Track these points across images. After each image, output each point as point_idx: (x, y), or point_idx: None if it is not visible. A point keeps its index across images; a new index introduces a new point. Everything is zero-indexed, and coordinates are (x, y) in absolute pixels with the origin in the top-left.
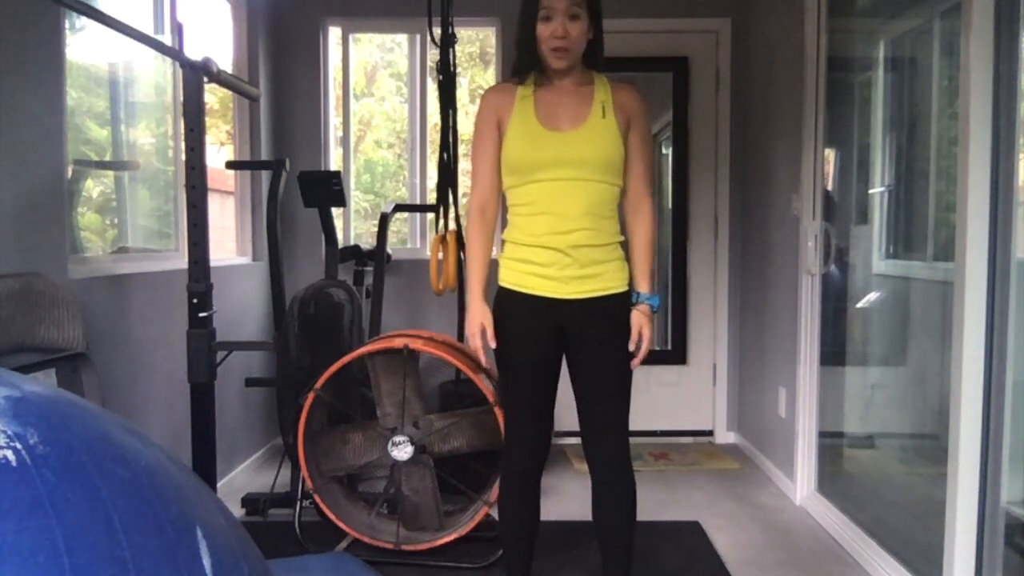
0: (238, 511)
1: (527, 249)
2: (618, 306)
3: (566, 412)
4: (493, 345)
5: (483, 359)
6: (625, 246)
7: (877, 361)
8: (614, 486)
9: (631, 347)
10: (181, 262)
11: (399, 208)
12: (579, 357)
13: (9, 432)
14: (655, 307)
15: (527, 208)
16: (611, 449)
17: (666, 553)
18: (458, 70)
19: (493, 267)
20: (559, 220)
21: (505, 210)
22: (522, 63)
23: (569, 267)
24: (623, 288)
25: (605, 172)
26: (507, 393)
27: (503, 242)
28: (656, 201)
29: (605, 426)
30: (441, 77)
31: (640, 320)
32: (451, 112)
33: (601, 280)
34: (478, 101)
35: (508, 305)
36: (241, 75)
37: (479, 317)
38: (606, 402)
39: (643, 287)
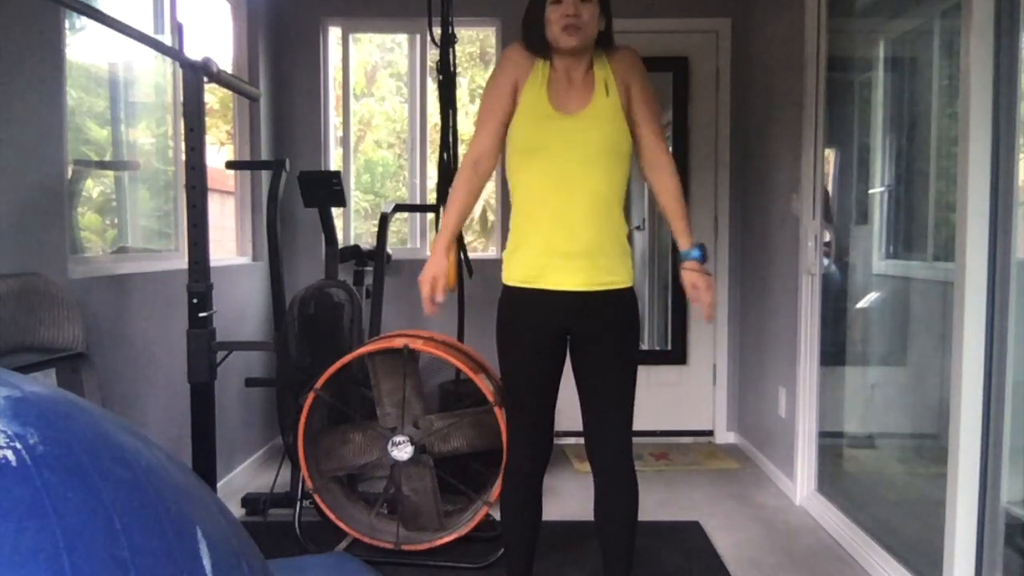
0: (238, 511)
1: (532, 240)
2: (623, 302)
3: (566, 412)
4: (440, 299)
5: (428, 309)
6: (631, 240)
7: (877, 361)
8: (617, 485)
9: (695, 304)
10: (181, 262)
11: (399, 208)
12: (584, 356)
13: (9, 432)
14: (700, 258)
15: (531, 196)
16: (615, 447)
17: (666, 553)
18: (458, 70)
19: (494, 269)
20: (564, 211)
21: (508, 198)
22: (531, 45)
23: (574, 259)
24: (628, 283)
25: (610, 157)
26: (511, 395)
27: (509, 233)
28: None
29: (609, 424)
30: (441, 77)
31: (691, 277)
32: (451, 112)
33: (607, 273)
34: (478, 101)
35: (514, 305)
36: (241, 75)
37: (433, 268)
38: (611, 400)
39: (683, 243)
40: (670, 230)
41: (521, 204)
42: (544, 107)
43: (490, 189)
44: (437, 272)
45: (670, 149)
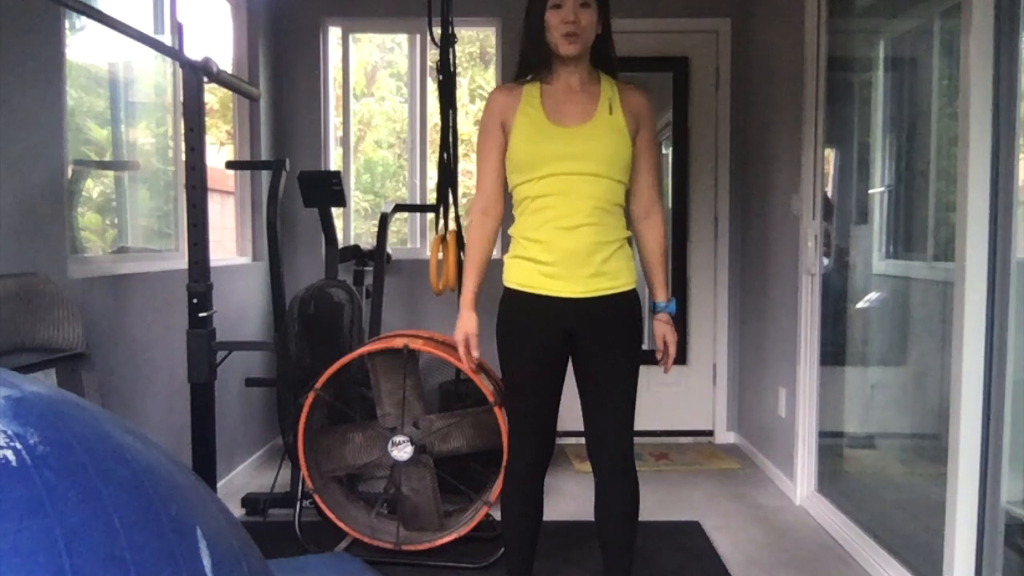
0: (238, 511)
1: (534, 246)
2: (625, 305)
3: (566, 412)
4: (476, 355)
5: (467, 365)
6: (631, 242)
7: (877, 361)
8: (618, 486)
9: (657, 356)
10: (181, 262)
11: (399, 208)
12: (586, 357)
13: (9, 432)
14: (673, 313)
15: (533, 204)
16: (616, 449)
17: (666, 553)
18: (458, 70)
19: (494, 270)
20: (566, 217)
21: (511, 206)
22: (528, 60)
23: (577, 265)
24: (631, 285)
25: (611, 168)
26: (512, 396)
27: (510, 239)
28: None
29: (610, 426)
30: (441, 77)
31: (662, 330)
32: (451, 112)
33: (609, 278)
34: (478, 101)
35: (515, 307)
36: (241, 75)
37: (465, 327)
38: (612, 402)
39: (660, 296)
40: (668, 230)
41: (523, 209)
42: (542, 122)
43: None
44: (468, 330)
45: (669, 150)
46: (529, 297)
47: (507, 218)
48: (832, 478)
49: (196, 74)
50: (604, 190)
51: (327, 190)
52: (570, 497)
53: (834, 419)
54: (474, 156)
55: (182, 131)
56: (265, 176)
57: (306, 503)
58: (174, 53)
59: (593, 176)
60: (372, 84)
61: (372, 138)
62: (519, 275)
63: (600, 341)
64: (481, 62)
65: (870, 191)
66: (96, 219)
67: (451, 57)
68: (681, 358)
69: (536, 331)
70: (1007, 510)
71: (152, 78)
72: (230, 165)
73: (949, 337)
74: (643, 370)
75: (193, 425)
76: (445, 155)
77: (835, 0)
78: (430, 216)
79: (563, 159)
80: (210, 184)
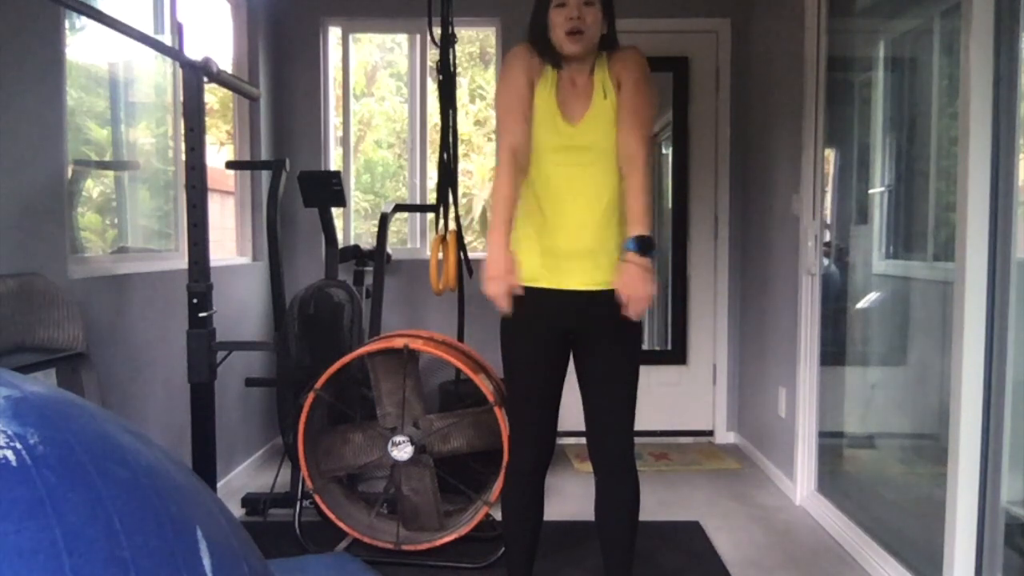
0: (238, 511)
1: (535, 240)
2: None
3: (567, 412)
4: (519, 291)
5: (505, 305)
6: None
7: (877, 361)
8: (618, 485)
9: (623, 308)
10: (181, 262)
11: (399, 208)
12: (587, 356)
13: (9, 432)
14: (638, 250)
15: (535, 193)
16: (616, 448)
17: (666, 553)
18: (458, 70)
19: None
20: (566, 210)
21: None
22: (538, 51)
23: (578, 258)
24: None
25: (609, 158)
26: (513, 393)
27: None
28: (656, 202)
29: (610, 425)
30: (441, 77)
31: (620, 269)
32: (451, 112)
33: (609, 273)
34: (478, 101)
35: (517, 304)
36: (241, 75)
37: (503, 262)
38: (612, 401)
39: (629, 230)
40: (668, 230)
41: (523, 204)
42: (554, 115)
43: (490, 188)
44: (508, 265)
45: (669, 151)
46: (531, 293)
47: None
48: (832, 478)
49: (196, 74)
50: (604, 185)
51: (327, 190)
52: (570, 497)
53: (834, 419)
54: (474, 156)
55: (182, 131)
56: (265, 176)
57: (306, 503)
58: (174, 53)
59: (592, 166)
60: (372, 84)
61: (372, 138)
62: (520, 270)
63: (600, 338)
64: (481, 62)
65: (870, 191)
66: (96, 219)
67: (451, 57)
68: (681, 358)
69: (538, 327)
70: (1007, 510)
71: (152, 78)
72: (230, 165)
73: (949, 337)
74: (643, 370)
75: (193, 425)
76: (445, 155)
77: (835, 0)
78: (430, 216)
79: (566, 151)
80: (210, 184)
